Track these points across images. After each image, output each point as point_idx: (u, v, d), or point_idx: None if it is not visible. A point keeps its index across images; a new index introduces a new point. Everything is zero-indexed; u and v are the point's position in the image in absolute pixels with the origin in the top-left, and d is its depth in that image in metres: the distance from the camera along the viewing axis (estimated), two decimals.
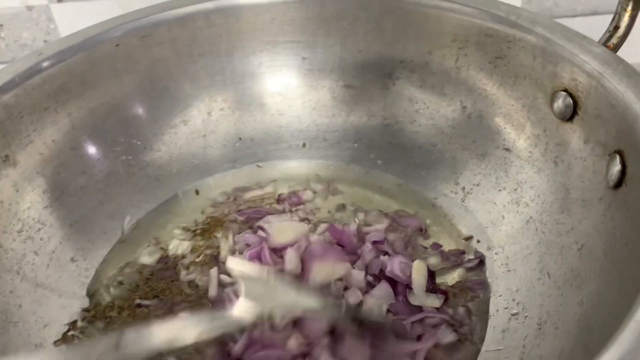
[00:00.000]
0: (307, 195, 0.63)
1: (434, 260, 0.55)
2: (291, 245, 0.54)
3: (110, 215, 0.60)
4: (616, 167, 0.43)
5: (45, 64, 0.56)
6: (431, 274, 0.52)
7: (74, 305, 0.52)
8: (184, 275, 0.55)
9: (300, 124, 0.68)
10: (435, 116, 0.63)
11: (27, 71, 0.54)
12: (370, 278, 0.52)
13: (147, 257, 0.57)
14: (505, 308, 0.49)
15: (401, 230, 0.57)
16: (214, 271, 0.54)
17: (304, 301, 0.44)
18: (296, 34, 0.66)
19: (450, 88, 0.61)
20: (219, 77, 0.67)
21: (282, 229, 0.56)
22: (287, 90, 0.68)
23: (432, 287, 0.52)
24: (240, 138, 0.67)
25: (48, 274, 0.53)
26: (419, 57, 0.63)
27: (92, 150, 0.61)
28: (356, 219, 0.59)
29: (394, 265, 0.52)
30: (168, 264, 0.56)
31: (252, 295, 0.42)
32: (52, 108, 0.57)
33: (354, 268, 0.52)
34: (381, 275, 0.52)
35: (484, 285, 0.52)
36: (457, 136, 0.61)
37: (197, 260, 0.56)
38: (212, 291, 0.52)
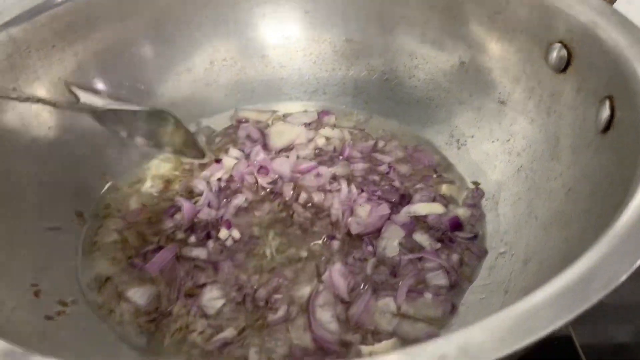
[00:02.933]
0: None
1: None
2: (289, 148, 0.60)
3: (116, 155, 0.61)
4: (605, 112, 0.45)
5: (54, 1, 0.57)
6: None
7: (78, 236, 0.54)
8: None
9: (301, 77, 0.70)
10: (434, 71, 0.64)
11: (35, 8, 0.56)
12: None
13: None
14: (493, 248, 0.51)
15: (413, 164, 0.60)
16: None
17: None
18: None
19: (450, 43, 0.63)
20: (223, 28, 0.68)
21: (280, 132, 0.61)
22: (289, 42, 0.69)
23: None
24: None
25: None
26: (420, 13, 0.64)
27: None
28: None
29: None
30: None
31: None
32: (59, 47, 0.58)
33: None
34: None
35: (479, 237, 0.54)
36: (454, 91, 0.63)
37: None
38: None
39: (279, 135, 0.62)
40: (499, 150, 0.58)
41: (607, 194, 0.42)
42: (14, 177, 0.52)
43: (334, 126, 0.65)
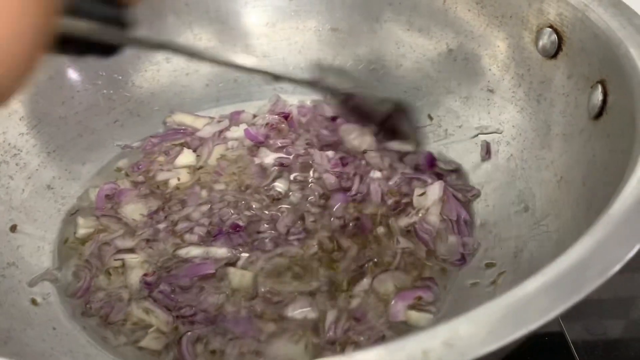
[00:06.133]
0: None
1: None
2: None
3: (89, 148, 0.59)
4: (597, 97, 0.43)
5: None
6: None
7: (48, 229, 0.52)
8: None
9: (285, 67, 0.68)
10: (422, 60, 0.63)
11: None
12: None
13: None
14: (482, 239, 0.49)
15: None
16: None
17: None
18: None
19: (438, 30, 0.61)
20: (204, 15, 0.66)
21: None
22: (273, 32, 0.67)
23: None
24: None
25: (23, 198, 0.52)
26: None
27: (71, 81, 0.60)
28: None
29: None
30: None
31: None
32: None
33: None
34: None
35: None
36: (442, 79, 0.61)
37: None
38: None
39: None
40: (487, 140, 0.56)
41: (600, 181, 0.41)
42: None
43: None
